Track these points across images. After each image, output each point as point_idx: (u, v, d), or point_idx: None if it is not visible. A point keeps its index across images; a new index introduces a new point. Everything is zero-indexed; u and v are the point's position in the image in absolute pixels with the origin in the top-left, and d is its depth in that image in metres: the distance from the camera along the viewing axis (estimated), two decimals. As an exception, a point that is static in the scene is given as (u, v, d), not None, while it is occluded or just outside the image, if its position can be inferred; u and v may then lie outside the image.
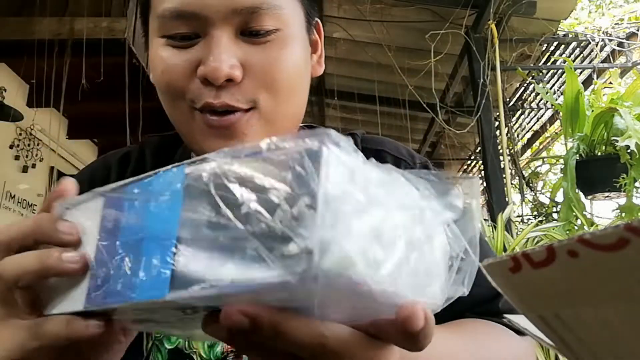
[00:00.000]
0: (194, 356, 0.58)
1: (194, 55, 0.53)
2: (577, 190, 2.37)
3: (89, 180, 0.66)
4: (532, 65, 3.66)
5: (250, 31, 0.53)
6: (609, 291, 0.18)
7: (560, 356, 1.54)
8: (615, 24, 3.71)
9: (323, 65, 0.66)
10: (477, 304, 0.57)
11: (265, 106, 0.55)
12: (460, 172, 6.25)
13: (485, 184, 3.18)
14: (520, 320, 0.31)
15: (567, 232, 2.21)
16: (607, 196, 2.49)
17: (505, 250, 2.13)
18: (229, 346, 0.57)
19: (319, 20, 0.65)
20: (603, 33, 3.53)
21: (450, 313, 0.56)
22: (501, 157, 3.08)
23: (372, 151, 0.65)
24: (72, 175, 0.69)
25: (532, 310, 0.21)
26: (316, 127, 0.70)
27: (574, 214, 2.24)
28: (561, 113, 2.66)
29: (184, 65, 0.53)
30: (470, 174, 6.42)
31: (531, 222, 2.85)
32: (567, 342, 0.21)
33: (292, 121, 0.60)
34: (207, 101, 0.53)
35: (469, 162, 6.00)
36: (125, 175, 0.66)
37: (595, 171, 2.40)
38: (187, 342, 0.58)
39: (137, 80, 3.24)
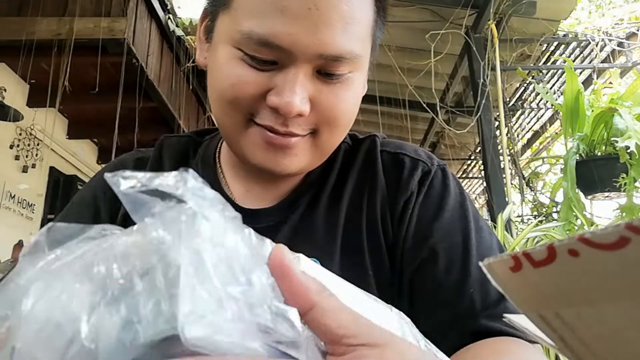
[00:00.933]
0: None
1: (269, 80, 0.53)
2: (577, 190, 2.37)
3: (104, 191, 0.65)
4: (532, 65, 3.66)
5: (326, 72, 0.54)
6: (610, 290, 0.18)
7: (560, 356, 1.54)
8: (615, 24, 3.71)
9: (366, 87, 0.66)
10: (484, 308, 0.55)
11: (323, 136, 0.57)
12: (461, 172, 6.25)
13: (485, 184, 3.18)
14: (521, 320, 0.31)
15: (567, 232, 2.21)
16: (607, 196, 2.49)
17: (505, 249, 2.13)
18: None
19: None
20: (603, 33, 3.53)
21: (459, 325, 0.55)
22: (501, 157, 3.08)
23: (391, 154, 0.66)
24: (83, 188, 0.69)
25: (533, 310, 0.21)
26: (362, 138, 0.71)
27: (574, 214, 2.24)
28: (561, 113, 2.66)
29: (255, 87, 0.53)
30: (470, 174, 6.41)
31: (531, 222, 2.85)
32: (568, 341, 0.21)
33: (336, 145, 0.63)
34: (271, 125, 0.54)
35: (469, 162, 6.00)
36: None
37: (595, 171, 2.40)
38: None
39: (137, 80, 3.25)
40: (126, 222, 0.60)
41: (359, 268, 0.60)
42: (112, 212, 0.64)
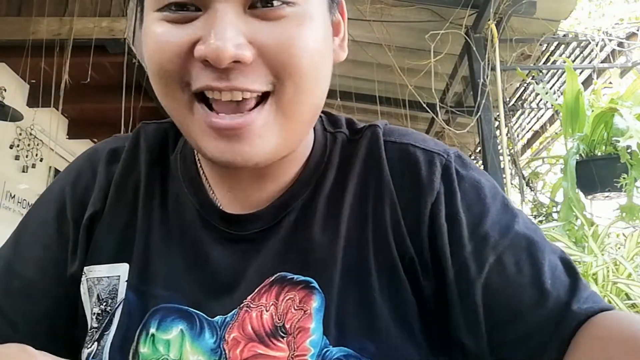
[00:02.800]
0: None
1: (193, 32, 0.44)
2: (577, 190, 2.37)
3: (72, 186, 0.61)
4: (532, 65, 3.66)
5: (260, 2, 0.44)
6: None
7: None
8: (615, 24, 3.70)
9: (346, 49, 0.57)
10: (570, 295, 0.48)
11: (284, 94, 0.46)
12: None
13: (485, 184, 3.17)
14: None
15: (567, 232, 2.21)
16: (607, 196, 2.49)
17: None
18: None
19: (342, 1, 0.56)
20: (603, 33, 3.53)
21: (556, 322, 0.46)
22: (501, 157, 3.08)
23: (398, 145, 0.57)
24: (56, 178, 0.64)
25: None
26: (336, 117, 0.63)
27: (574, 214, 2.24)
28: (561, 113, 2.66)
29: (180, 42, 0.44)
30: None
31: (531, 222, 2.85)
32: None
33: (311, 114, 0.51)
34: (208, 84, 0.44)
35: (469, 162, 6.00)
36: (113, 176, 0.60)
37: (595, 171, 2.40)
38: None
39: (138, 80, 3.24)
40: (92, 225, 0.58)
41: (363, 291, 0.51)
42: (78, 211, 0.59)
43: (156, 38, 0.46)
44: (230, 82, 0.44)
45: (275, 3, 0.44)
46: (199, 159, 0.60)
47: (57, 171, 4.07)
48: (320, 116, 0.62)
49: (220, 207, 0.57)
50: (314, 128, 0.60)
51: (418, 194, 0.53)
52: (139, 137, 0.62)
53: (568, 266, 0.52)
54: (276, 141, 0.47)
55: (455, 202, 0.52)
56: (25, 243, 0.60)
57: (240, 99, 0.45)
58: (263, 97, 0.46)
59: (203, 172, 0.59)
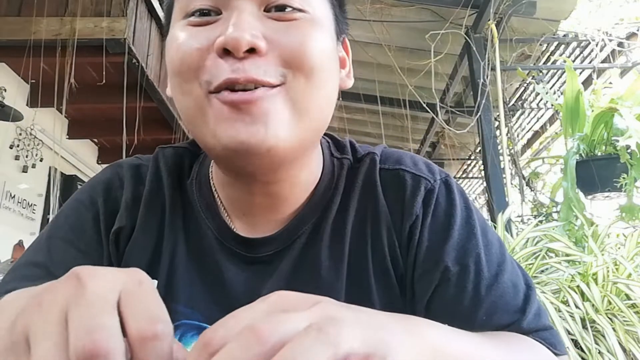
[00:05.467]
0: None
1: (213, 32, 0.48)
2: (577, 190, 2.37)
3: (104, 198, 0.62)
4: (532, 65, 3.66)
5: (275, 6, 0.49)
6: None
7: None
8: (615, 24, 3.71)
9: (352, 79, 0.61)
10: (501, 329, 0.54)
11: (295, 85, 0.49)
12: (461, 172, 6.25)
13: (485, 184, 3.18)
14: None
15: (567, 232, 2.21)
16: (607, 196, 2.49)
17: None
18: None
19: (346, 38, 0.61)
20: (603, 33, 3.53)
21: None
22: (501, 157, 3.08)
23: (390, 172, 0.61)
24: (82, 189, 0.65)
25: None
26: (342, 142, 0.65)
27: (574, 214, 2.24)
28: (561, 113, 2.66)
29: (200, 41, 0.48)
30: (470, 174, 6.41)
31: (531, 222, 2.85)
32: None
33: (320, 113, 0.53)
34: (227, 77, 0.47)
35: (469, 162, 6.00)
36: (142, 194, 0.62)
37: (595, 171, 2.40)
38: None
39: (137, 80, 3.24)
40: (117, 238, 0.60)
41: (366, 305, 0.56)
42: (109, 224, 0.60)
43: (179, 40, 0.50)
44: (246, 73, 0.46)
45: (288, 9, 0.50)
46: (213, 185, 0.63)
47: (57, 171, 4.07)
48: (327, 141, 0.66)
49: (235, 231, 0.60)
50: (322, 153, 0.63)
51: (404, 215, 0.58)
52: (158, 161, 0.65)
53: (526, 294, 0.56)
54: (288, 127, 0.49)
55: (425, 226, 0.57)
56: (59, 250, 0.59)
57: (253, 88, 0.48)
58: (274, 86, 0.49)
59: (218, 197, 0.62)
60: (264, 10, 0.50)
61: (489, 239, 0.58)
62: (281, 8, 0.50)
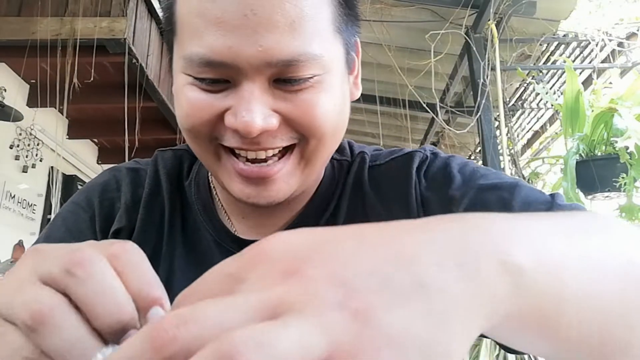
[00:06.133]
0: None
1: (223, 102, 0.49)
2: (577, 190, 2.37)
3: (100, 199, 0.63)
4: (532, 65, 3.66)
5: (285, 80, 0.48)
6: None
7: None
8: (615, 24, 3.71)
9: (360, 87, 0.61)
10: None
11: (310, 148, 0.52)
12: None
13: (485, 184, 3.17)
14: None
15: (567, 232, 2.21)
16: (607, 196, 2.49)
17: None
18: None
19: (357, 40, 0.60)
20: (603, 33, 3.53)
21: None
22: (501, 157, 3.08)
23: (381, 166, 0.62)
24: (80, 191, 0.66)
25: None
26: (341, 144, 0.65)
27: (574, 214, 2.23)
28: (561, 113, 2.66)
29: (210, 111, 0.49)
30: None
31: (531, 222, 2.85)
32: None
33: (329, 157, 0.57)
34: (239, 146, 0.50)
35: (469, 162, 6.00)
36: (140, 198, 0.63)
37: (595, 171, 2.40)
38: None
39: (138, 80, 3.24)
40: (117, 239, 0.58)
41: None
42: (105, 225, 0.61)
43: (189, 102, 0.50)
44: (259, 145, 0.49)
45: (299, 80, 0.49)
46: (213, 186, 0.64)
47: (57, 171, 4.07)
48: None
49: (235, 233, 0.61)
50: None
51: (404, 194, 0.58)
52: (157, 165, 0.66)
53: (549, 197, 0.53)
54: (297, 183, 0.54)
55: (428, 187, 0.58)
56: None
57: (264, 157, 0.51)
58: (287, 148, 0.52)
59: (218, 199, 0.63)
60: (274, 82, 0.49)
61: (496, 171, 0.57)
62: (292, 81, 0.49)
